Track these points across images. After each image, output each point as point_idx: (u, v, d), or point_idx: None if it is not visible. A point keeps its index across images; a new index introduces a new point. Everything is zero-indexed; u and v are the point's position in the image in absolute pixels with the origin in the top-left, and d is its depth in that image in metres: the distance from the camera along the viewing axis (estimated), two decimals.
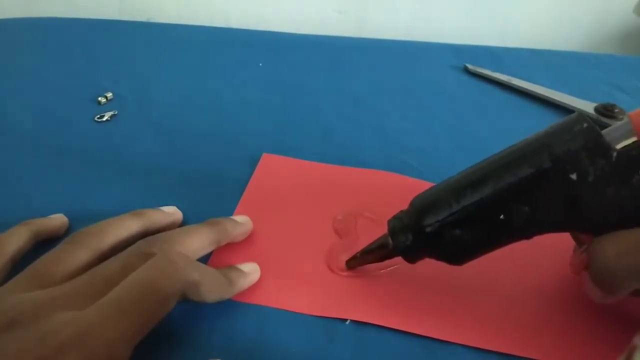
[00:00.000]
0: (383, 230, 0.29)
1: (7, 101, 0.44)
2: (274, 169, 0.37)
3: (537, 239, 0.31)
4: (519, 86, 0.49)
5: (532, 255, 0.30)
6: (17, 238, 0.27)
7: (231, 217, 0.31)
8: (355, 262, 0.29)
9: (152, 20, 0.66)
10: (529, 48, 0.58)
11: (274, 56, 0.54)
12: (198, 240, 0.27)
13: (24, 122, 0.41)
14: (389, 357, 0.25)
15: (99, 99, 0.44)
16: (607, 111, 0.43)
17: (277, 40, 0.57)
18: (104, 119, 0.42)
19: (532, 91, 0.48)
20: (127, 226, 0.28)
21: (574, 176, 0.22)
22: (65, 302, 0.22)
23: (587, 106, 0.45)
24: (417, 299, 0.28)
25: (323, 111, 0.45)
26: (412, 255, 0.26)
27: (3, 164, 0.37)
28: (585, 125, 0.22)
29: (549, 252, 0.31)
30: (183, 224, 0.31)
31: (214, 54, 0.54)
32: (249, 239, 0.31)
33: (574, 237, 0.27)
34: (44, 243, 0.29)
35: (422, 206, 0.25)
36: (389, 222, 0.26)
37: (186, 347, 0.25)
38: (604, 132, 0.22)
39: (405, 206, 0.28)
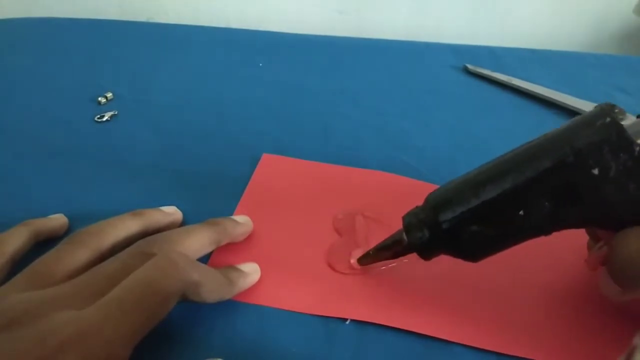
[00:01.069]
0: (384, 228, 0.29)
1: (7, 101, 0.44)
2: (274, 169, 0.37)
3: (535, 239, 0.31)
4: (519, 86, 0.49)
5: (532, 255, 0.30)
6: (17, 238, 0.27)
7: (231, 217, 0.31)
8: (368, 259, 0.28)
9: (152, 20, 0.66)
10: (529, 48, 0.58)
11: (274, 56, 0.54)
12: (198, 240, 0.27)
13: (24, 122, 0.41)
14: (389, 357, 0.25)
15: (99, 99, 0.44)
16: None
17: (277, 40, 0.57)
18: (104, 119, 0.42)
19: (532, 91, 0.48)
20: (126, 226, 0.28)
21: (595, 171, 0.22)
22: (65, 302, 0.22)
23: (587, 106, 0.45)
24: (417, 298, 0.28)
25: (323, 111, 0.45)
26: (427, 251, 0.26)
27: (3, 164, 0.37)
28: (608, 119, 0.22)
29: (549, 252, 0.31)
30: (183, 224, 0.31)
31: (214, 54, 0.54)
32: (249, 239, 0.31)
33: (590, 234, 0.27)
34: (44, 243, 0.29)
35: (439, 201, 0.25)
36: (404, 217, 0.26)
37: (186, 347, 0.25)
38: (626, 126, 0.22)
39: (404, 206, 0.28)
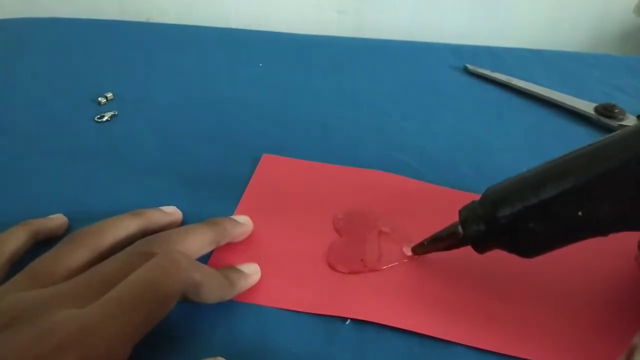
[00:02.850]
0: (384, 228, 0.29)
1: (7, 101, 0.44)
2: (274, 169, 0.37)
3: None
4: (518, 86, 0.49)
5: None
6: (16, 238, 0.27)
7: (231, 217, 0.31)
8: (422, 249, 0.28)
9: (151, 21, 0.66)
10: (529, 48, 0.58)
11: (274, 56, 0.54)
12: (198, 240, 0.27)
13: (24, 122, 0.41)
14: (389, 357, 0.25)
15: (99, 99, 0.44)
16: (607, 111, 0.43)
17: (277, 40, 0.57)
18: (104, 119, 0.42)
19: (532, 91, 0.48)
20: (126, 226, 0.28)
21: None
22: (65, 301, 0.22)
23: (587, 106, 0.45)
24: (417, 298, 0.28)
25: (323, 111, 0.44)
26: (482, 245, 0.26)
27: (3, 164, 0.37)
28: None
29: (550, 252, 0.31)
30: (183, 223, 0.31)
31: (214, 54, 0.54)
32: (249, 239, 0.31)
33: None
34: (44, 243, 0.29)
35: (498, 197, 0.25)
36: (461, 211, 0.26)
37: (186, 347, 0.25)
38: None
39: (404, 206, 0.28)
